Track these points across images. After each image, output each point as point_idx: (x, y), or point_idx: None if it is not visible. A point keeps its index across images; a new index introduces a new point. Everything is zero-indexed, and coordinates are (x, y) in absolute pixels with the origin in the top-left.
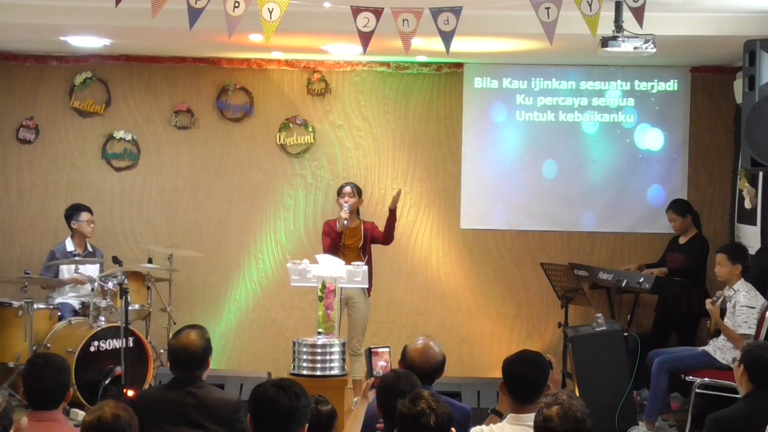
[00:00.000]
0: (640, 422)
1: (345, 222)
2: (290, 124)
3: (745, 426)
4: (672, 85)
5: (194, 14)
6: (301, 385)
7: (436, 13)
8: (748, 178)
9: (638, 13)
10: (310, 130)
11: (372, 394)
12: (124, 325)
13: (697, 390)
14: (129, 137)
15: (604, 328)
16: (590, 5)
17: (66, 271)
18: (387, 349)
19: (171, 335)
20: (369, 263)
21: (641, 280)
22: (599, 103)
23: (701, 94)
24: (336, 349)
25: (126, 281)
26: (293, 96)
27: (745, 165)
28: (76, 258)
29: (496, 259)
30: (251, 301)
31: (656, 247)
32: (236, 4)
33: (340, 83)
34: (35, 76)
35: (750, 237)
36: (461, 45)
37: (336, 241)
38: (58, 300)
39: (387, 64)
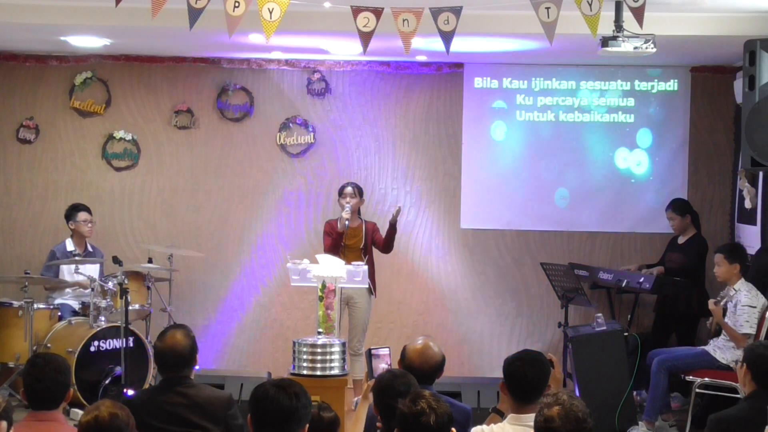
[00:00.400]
0: (640, 422)
1: (346, 223)
2: (290, 124)
3: (747, 426)
4: (672, 85)
5: (194, 14)
6: (302, 386)
7: (436, 13)
8: (748, 178)
9: (638, 13)
10: (310, 130)
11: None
12: (124, 325)
13: (697, 390)
14: (129, 137)
15: (604, 328)
16: (590, 5)
17: (66, 271)
18: (387, 351)
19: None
20: (370, 263)
21: (641, 280)
22: (599, 103)
23: (701, 94)
24: (336, 349)
25: (126, 281)
26: (293, 96)
27: (745, 165)
28: (76, 258)
29: (496, 258)
30: (251, 301)
31: (656, 247)
32: (236, 4)
33: (340, 83)
34: (35, 76)
35: (750, 237)
36: (461, 45)
37: (337, 241)
38: (58, 300)
39: (387, 64)
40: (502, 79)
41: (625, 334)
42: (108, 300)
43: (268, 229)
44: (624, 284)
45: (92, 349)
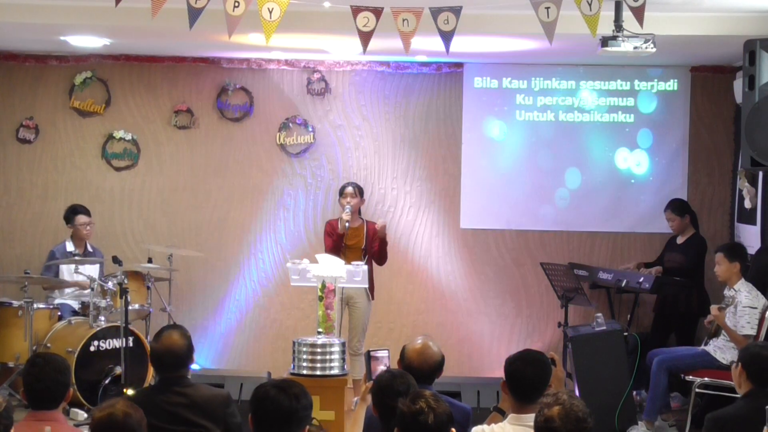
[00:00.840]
0: (639, 422)
1: (347, 225)
2: (290, 124)
3: (744, 425)
4: (672, 85)
5: (194, 14)
6: (303, 386)
7: (435, 12)
8: (748, 178)
9: (638, 13)
10: (310, 129)
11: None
12: (124, 324)
13: (697, 390)
14: (129, 137)
15: (604, 327)
16: (590, 5)
17: (66, 270)
18: (386, 353)
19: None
20: (370, 263)
21: (641, 279)
22: (599, 102)
23: (701, 93)
24: (336, 348)
25: (126, 281)
26: (293, 96)
27: (745, 165)
28: (76, 258)
29: (496, 258)
30: (251, 301)
31: (656, 246)
32: (236, 4)
33: (340, 83)
34: (35, 76)
35: (750, 237)
36: (461, 45)
37: (338, 242)
38: (58, 300)
39: (387, 63)
40: (502, 79)
41: (625, 333)
42: (108, 300)
43: (268, 228)
44: (624, 284)
45: (92, 348)
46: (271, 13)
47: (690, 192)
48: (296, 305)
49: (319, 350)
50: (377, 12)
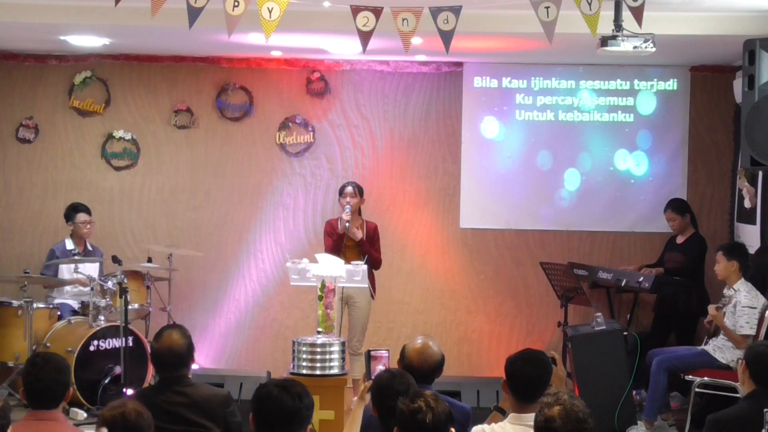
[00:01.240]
0: (639, 422)
1: (347, 225)
2: (290, 124)
3: (746, 427)
4: (672, 85)
5: (194, 14)
6: (305, 386)
7: (435, 12)
8: (748, 178)
9: (638, 13)
10: (310, 129)
11: (369, 396)
12: (123, 324)
13: (697, 389)
14: (128, 136)
15: (604, 327)
16: (590, 4)
17: (66, 270)
18: (386, 353)
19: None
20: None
21: (641, 279)
22: (599, 102)
23: (701, 93)
24: (335, 348)
25: (125, 280)
26: (293, 95)
27: (745, 164)
28: (76, 257)
29: (495, 258)
30: (251, 301)
31: (656, 246)
32: (236, 4)
33: (340, 83)
34: (35, 76)
35: (750, 236)
36: (461, 44)
37: (338, 242)
38: (58, 300)
39: (386, 63)
40: (502, 79)
41: (625, 333)
42: (107, 299)
43: (268, 228)
44: (623, 284)
45: (92, 348)
46: (270, 12)
47: (689, 192)
48: (296, 305)
49: (318, 350)
50: (377, 11)
